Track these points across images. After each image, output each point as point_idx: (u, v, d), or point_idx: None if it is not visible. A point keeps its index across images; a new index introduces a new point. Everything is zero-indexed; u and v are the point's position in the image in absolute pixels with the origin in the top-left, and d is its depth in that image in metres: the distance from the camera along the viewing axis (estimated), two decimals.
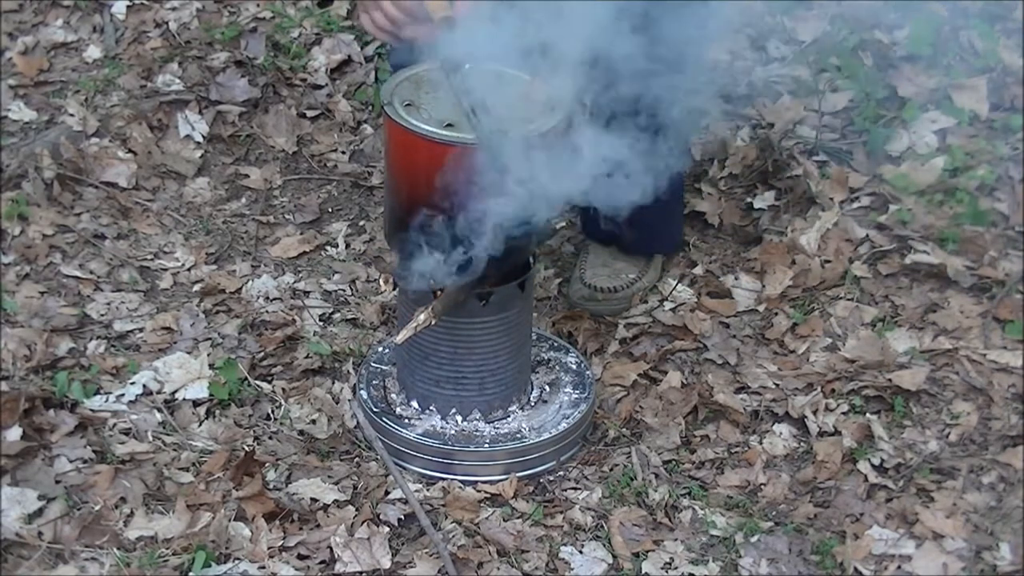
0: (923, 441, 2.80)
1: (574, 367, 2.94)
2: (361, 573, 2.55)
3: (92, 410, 2.85)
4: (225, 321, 3.15)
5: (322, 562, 2.56)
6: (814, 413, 2.86)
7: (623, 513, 2.68)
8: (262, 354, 3.05)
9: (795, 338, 3.07)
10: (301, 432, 2.87)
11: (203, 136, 3.64)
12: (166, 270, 3.30)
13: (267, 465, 2.75)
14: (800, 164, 3.41)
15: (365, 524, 2.62)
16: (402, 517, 2.66)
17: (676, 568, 2.57)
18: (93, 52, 3.86)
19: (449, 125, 2.51)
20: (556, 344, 3.01)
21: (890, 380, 2.90)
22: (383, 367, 2.93)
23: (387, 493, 2.71)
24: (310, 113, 3.74)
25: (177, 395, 2.93)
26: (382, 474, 2.76)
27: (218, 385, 2.93)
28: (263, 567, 2.53)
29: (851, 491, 2.70)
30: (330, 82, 3.80)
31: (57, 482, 2.67)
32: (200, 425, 2.87)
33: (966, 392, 2.89)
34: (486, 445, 2.77)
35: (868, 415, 2.85)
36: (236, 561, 2.54)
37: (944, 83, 3.58)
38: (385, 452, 2.73)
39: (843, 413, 2.86)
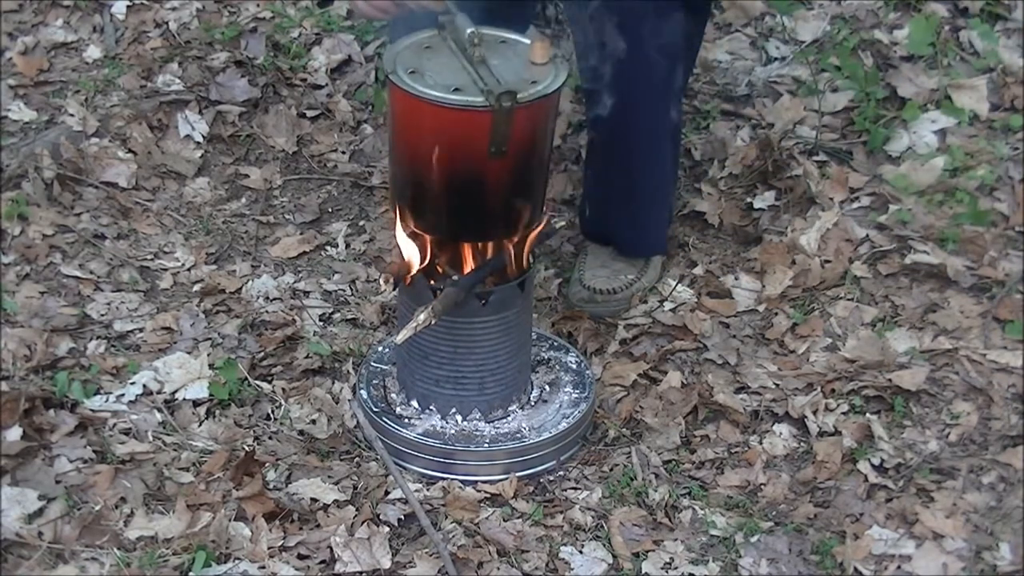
0: (923, 441, 2.80)
1: (574, 367, 2.94)
2: (361, 573, 2.55)
3: (92, 410, 2.85)
4: (225, 321, 3.15)
5: (322, 562, 2.56)
6: (814, 413, 2.86)
7: (623, 513, 2.68)
8: (262, 354, 3.05)
9: (795, 338, 3.07)
10: (301, 432, 2.87)
11: (203, 136, 3.64)
12: (166, 270, 3.30)
13: (267, 465, 2.75)
14: (800, 164, 3.41)
15: (365, 524, 2.62)
16: (402, 517, 2.66)
17: (676, 568, 2.57)
18: (93, 52, 3.86)
19: (457, 90, 2.50)
20: (556, 344, 3.01)
21: (890, 380, 2.89)
22: (383, 367, 2.93)
23: (387, 493, 2.71)
24: (310, 113, 3.74)
25: (177, 395, 2.93)
26: (382, 474, 2.76)
27: (218, 385, 2.93)
28: (263, 567, 2.53)
29: (851, 491, 2.70)
30: (330, 82, 3.80)
31: (57, 482, 2.67)
32: (200, 425, 2.87)
33: (966, 392, 2.89)
34: (486, 445, 2.77)
35: (868, 415, 2.85)
36: (236, 561, 2.54)
37: (944, 83, 3.58)
38: (385, 452, 2.73)
39: (843, 413, 2.86)
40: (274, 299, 3.22)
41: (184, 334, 3.09)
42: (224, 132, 3.66)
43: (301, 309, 3.19)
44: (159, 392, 2.93)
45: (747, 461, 2.80)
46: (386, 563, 2.56)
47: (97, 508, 2.62)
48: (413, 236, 2.67)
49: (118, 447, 2.77)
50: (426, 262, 2.68)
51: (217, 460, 2.74)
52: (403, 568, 2.56)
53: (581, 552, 2.61)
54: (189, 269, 3.31)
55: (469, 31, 2.53)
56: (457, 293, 2.64)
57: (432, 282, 2.68)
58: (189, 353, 3.03)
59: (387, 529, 2.62)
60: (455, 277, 2.70)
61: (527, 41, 2.59)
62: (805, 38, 3.81)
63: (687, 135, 3.54)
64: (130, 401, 2.90)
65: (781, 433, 2.85)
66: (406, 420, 2.81)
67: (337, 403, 2.94)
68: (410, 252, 2.67)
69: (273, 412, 2.92)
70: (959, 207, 3.29)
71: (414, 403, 2.83)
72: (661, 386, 2.96)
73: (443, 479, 2.75)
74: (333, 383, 2.99)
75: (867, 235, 3.25)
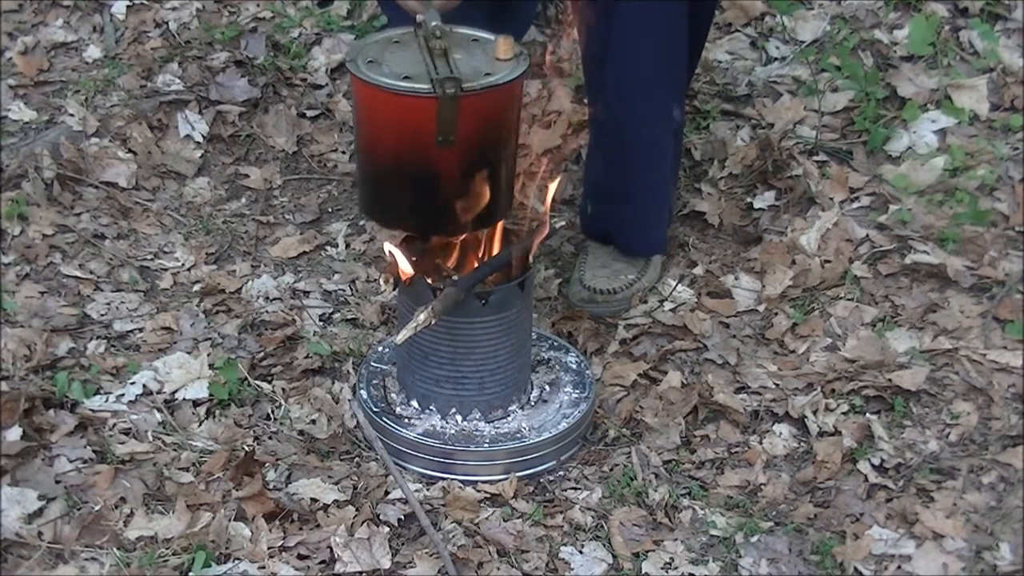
0: (923, 441, 2.80)
1: (574, 367, 2.94)
2: (361, 573, 2.55)
3: (92, 410, 2.85)
4: (225, 321, 3.15)
5: (322, 562, 2.56)
6: (814, 413, 2.86)
7: (623, 513, 2.68)
8: (262, 354, 3.05)
9: (795, 338, 3.07)
10: (301, 432, 2.87)
11: (203, 136, 3.64)
12: (166, 270, 3.30)
13: (267, 465, 2.75)
14: (800, 164, 3.41)
15: (365, 524, 2.62)
16: (402, 517, 2.66)
17: (676, 568, 2.57)
18: (93, 52, 3.86)
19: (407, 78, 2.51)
20: (556, 344, 3.01)
21: (890, 380, 2.90)
22: (383, 367, 2.93)
23: (387, 493, 2.71)
24: (310, 113, 3.74)
25: (177, 395, 2.93)
26: (382, 474, 2.76)
27: (218, 385, 2.93)
28: (263, 567, 2.53)
29: (851, 491, 2.70)
30: (330, 82, 3.80)
31: (57, 482, 2.67)
32: (200, 425, 2.87)
33: (966, 392, 2.89)
34: (486, 445, 2.77)
35: (868, 415, 2.85)
36: (236, 561, 2.54)
37: (944, 83, 3.58)
38: (385, 452, 2.73)
39: (843, 413, 2.86)
40: (274, 299, 3.22)
41: (184, 334, 3.10)
42: (224, 132, 3.67)
43: (301, 309, 3.19)
44: (159, 392, 2.93)
45: (747, 461, 2.80)
46: (386, 563, 2.56)
47: (97, 508, 2.62)
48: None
49: (118, 447, 2.77)
50: (412, 259, 2.69)
51: (217, 460, 2.74)
52: (403, 568, 2.56)
53: (581, 552, 2.61)
54: (189, 269, 3.31)
55: (433, 24, 2.54)
56: (457, 293, 2.64)
57: (432, 282, 2.68)
58: (189, 353, 3.03)
59: (387, 529, 2.62)
60: (455, 277, 2.71)
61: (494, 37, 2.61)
62: (805, 38, 3.81)
63: (687, 135, 3.54)
64: (130, 401, 2.90)
65: (781, 433, 2.85)
66: (406, 420, 2.81)
67: (337, 403, 2.94)
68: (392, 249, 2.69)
69: (273, 412, 2.92)
70: (959, 207, 3.29)
71: (414, 403, 2.83)
72: (661, 386, 2.96)
73: (443, 479, 2.75)
74: (333, 383, 2.99)
75: (867, 235, 3.25)
